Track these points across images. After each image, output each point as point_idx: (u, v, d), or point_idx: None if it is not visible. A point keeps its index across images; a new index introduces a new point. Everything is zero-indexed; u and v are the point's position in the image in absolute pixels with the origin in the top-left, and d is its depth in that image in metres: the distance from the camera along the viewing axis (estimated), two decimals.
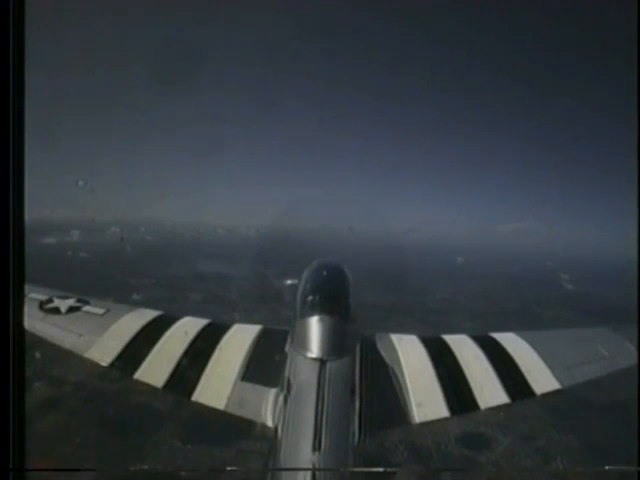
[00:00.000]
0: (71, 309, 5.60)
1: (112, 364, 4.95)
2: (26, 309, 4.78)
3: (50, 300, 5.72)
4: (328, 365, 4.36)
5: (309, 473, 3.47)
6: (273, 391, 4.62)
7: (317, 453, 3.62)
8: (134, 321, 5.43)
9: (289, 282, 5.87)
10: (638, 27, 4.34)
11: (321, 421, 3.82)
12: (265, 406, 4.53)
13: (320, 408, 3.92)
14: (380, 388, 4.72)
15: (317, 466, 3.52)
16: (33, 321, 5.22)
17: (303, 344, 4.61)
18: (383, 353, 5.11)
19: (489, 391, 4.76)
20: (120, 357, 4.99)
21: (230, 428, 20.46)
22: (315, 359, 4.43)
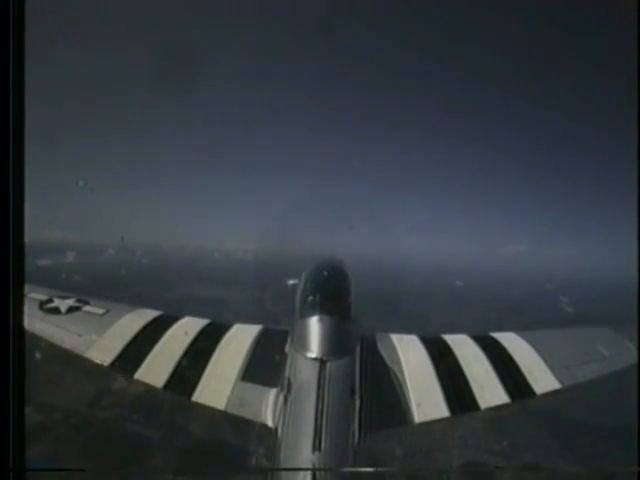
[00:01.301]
0: (71, 309, 5.60)
1: (112, 364, 4.94)
2: (26, 309, 4.78)
3: (50, 300, 5.71)
4: (328, 365, 4.37)
5: (309, 473, 3.48)
6: (273, 391, 4.62)
7: (317, 453, 3.63)
8: (134, 321, 5.43)
9: (291, 282, 5.85)
10: (638, 29, 4.33)
11: (321, 421, 3.82)
12: (265, 406, 4.53)
13: (320, 408, 3.93)
14: (380, 388, 4.71)
15: (317, 466, 3.53)
16: (33, 321, 5.22)
17: (303, 344, 4.61)
18: (383, 353, 5.11)
19: (489, 391, 4.75)
20: (120, 357, 4.98)
21: (226, 460, 20.16)
22: (315, 359, 4.43)
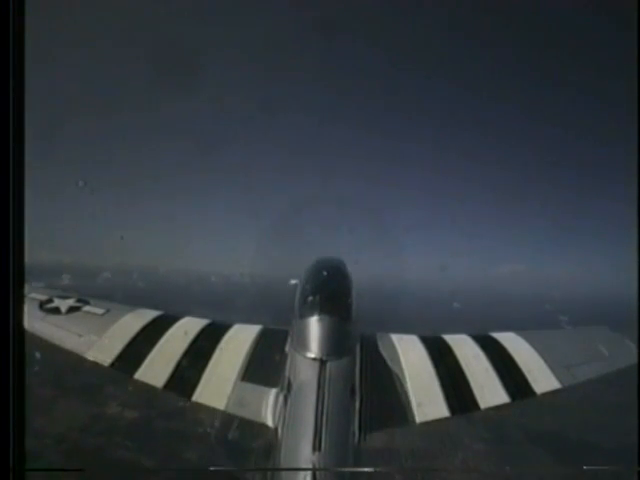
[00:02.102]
0: (71, 309, 5.59)
1: (112, 364, 4.94)
2: (26, 309, 4.78)
3: (50, 300, 5.70)
4: (328, 365, 4.35)
5: (309, 473, 3.48)
6: (273, 391, 4.62)
7: (317, 453, 3.61)
8: (134, 321, 5.42)
9: (293, 282, 5.82)
10: (638, 29, 4.34)
11: (321, 421, 3.81)
12: (265, 406, 4.53)
13: (320, 408, 3.92)
14: (380, 388, 4.71)
15: (317, 466, 3.53)
16: (33, 321, 5.22)
17: (303, 344, 4.60)
18: (383, 353, 5.11)
19: (489, 391, 4.75)
20: (120, 357, 4.98)
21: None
22: (315, 359, 4.42)
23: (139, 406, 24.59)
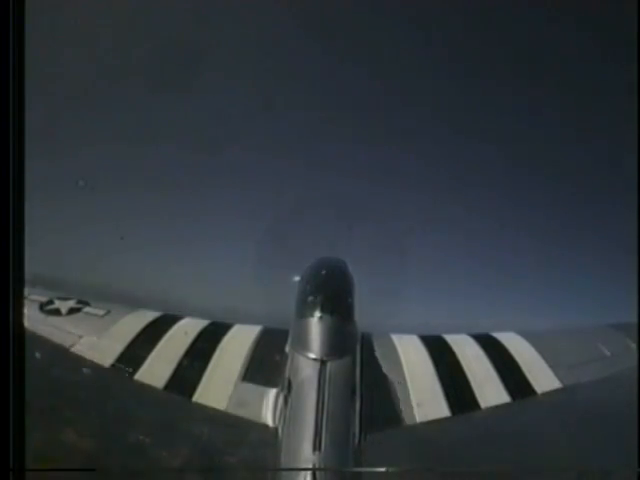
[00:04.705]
0: (72, 310, 5.57)
1: (113, 365, 4.94)
2: (26, 310, 4.77)
3: (51, 301, 5.67)
4: (328, 365, 4.34)
5: (309, 473, 3.48)
6: (273, 391, 4.62)
7: (317, 453, 3.61)
8: (135, 322, 5.42)
9: (297, 279, 5.80)
10: (638, 28, 4.34)
11: (321, 421, 3.81)
12: (265, 406, 4.53)
13: (320, 408, 3.91)
14: (380, 388, 4.70)
15: (317, 466, 3.53)
16: (34, 322, 5.21)
17: (303, 344, 4.59)
18: (383, 353, 5.10)
19: (490, 390, 4.74)
20: (121, 358, 4.97)
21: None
22: (315, 359, 4.42)
23: None
